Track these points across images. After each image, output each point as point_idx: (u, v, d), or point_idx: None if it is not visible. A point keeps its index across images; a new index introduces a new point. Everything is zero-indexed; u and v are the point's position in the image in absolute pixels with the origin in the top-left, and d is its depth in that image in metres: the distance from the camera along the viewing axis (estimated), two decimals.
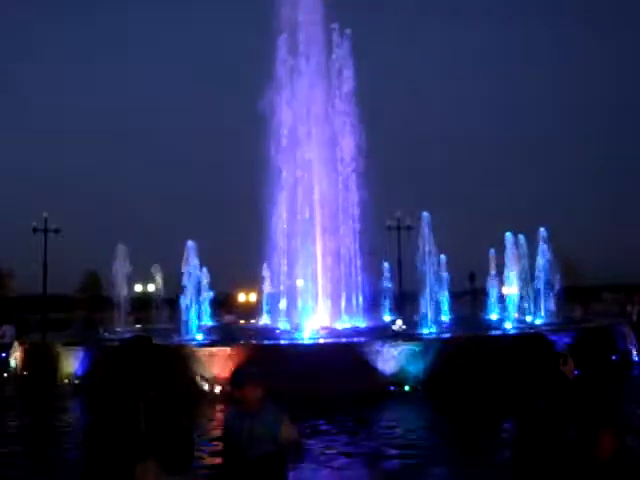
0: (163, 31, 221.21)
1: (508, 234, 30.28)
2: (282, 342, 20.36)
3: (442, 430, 12.83)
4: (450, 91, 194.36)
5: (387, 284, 33.78)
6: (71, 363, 19.54)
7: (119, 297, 29.55)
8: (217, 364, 17.02)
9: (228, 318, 37.99)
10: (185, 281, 23.54)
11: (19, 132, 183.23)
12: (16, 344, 23.47)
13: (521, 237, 29.92)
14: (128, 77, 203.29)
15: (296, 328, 23.36)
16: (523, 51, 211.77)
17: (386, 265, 33.84)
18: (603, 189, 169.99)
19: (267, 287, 30.73)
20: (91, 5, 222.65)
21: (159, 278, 33.56)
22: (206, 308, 27.86)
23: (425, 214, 24.81)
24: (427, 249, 24.14)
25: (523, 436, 3.56)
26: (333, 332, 23.09)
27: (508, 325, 25.26)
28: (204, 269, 27.31)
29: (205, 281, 27.60)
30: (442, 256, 27.87)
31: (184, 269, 23.60)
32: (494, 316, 30.72)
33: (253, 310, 34.99)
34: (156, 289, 35.25)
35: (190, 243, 24.05)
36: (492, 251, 33.53)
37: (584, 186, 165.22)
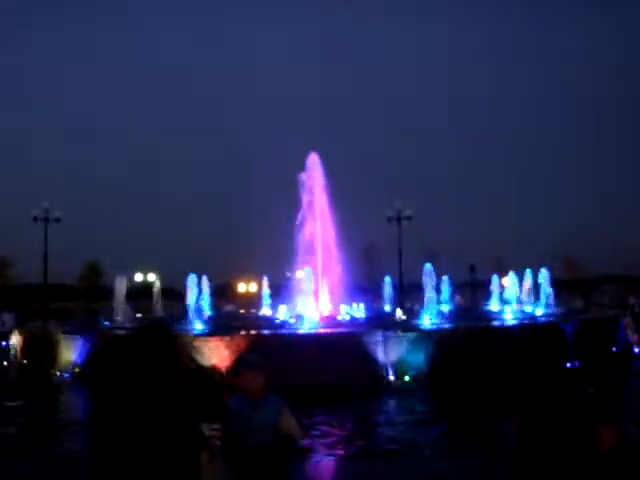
0: (165, 39, 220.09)
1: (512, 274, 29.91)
2: (282, 332, 20.32)
3: (441, 421, 12.81)
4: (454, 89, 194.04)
5: (387, 275, 33.78)
6: (71, 351, 19.53)
7: (119, 286, 29.45)
8: (216, 353, 16.99)
9: (228, 307, 38.04)
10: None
11: (21, 122, 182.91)
12: (16, 332, 23.48)
13: (528, 272, 29.39)
14: (132, 71, 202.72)
15: (296, 318, 23.33)
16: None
17: (386, 256, 33.80)
18: (603, 181, 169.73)
19: (267, 277, 30.75)
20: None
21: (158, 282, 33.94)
22: (206, 298, 27.89)
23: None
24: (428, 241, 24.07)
25: (524, 428, 3.49)
26: (333, 322, 23.06)
27: (508, 316, 25.22)
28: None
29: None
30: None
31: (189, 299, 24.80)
32: (494, 307, 30.68)
33: (253, 300, 35.00)
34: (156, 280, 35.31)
35: (191, 276, 25.30)
36: (495, 277, 32.80)
37: (583, 177, 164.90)
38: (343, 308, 26.65)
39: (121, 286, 28.49)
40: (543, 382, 3.49)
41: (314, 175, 28.94)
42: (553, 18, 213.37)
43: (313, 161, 29.19)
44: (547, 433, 3.34)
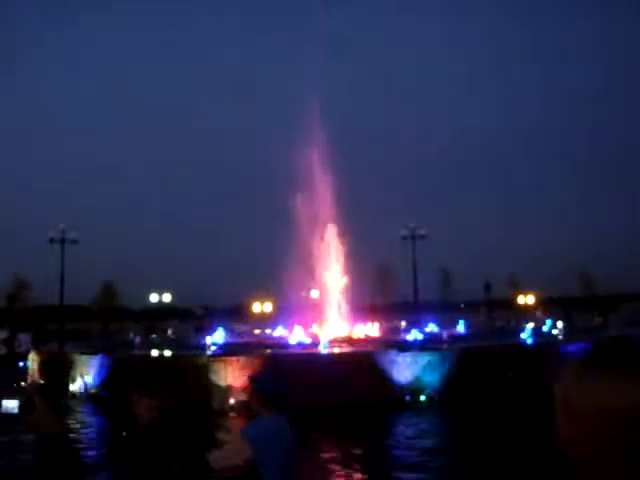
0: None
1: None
2: (297, 352, 20.26)
3: (456, 441, 12.67)
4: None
5: (402, 294, 33.69)
6: (87, 373, 19.61)
7: (135, 308, 29.65)
8: (231, 374, 16.99)
9: (242, 328, 38.03)
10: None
11: (37, 145, 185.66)
12: (33, 353, 23.62)
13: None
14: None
15: (311, 338, 23.29)
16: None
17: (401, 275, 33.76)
18: (619, 198, 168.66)
19: (283, 297, 30.73)
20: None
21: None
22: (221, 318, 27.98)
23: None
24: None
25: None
26: (348, 342, 22.97)
27: (524, 335, 24.98)
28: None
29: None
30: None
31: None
32: (510, 326, 30.45)
33: (268, 320, 34.96)
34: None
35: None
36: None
37: (599, 195, 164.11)
38: (358, 328, 26.57)
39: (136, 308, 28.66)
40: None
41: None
42: None
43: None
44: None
